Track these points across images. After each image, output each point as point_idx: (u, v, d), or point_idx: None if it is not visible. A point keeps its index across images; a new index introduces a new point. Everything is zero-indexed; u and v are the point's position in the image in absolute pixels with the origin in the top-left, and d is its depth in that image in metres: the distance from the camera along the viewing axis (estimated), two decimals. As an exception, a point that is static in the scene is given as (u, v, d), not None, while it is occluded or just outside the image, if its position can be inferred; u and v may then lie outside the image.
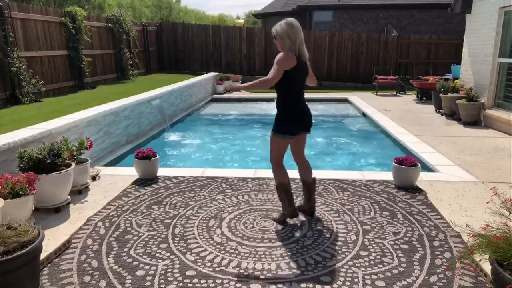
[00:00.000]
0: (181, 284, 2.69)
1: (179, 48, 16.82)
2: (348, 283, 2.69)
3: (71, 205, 3.98)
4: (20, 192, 3.21)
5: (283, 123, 3.43)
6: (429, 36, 15.50)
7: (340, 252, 3.10)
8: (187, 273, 2.82)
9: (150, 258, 3.01)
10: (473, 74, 8.79)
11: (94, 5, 24.34)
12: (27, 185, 3.28)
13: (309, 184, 3.69)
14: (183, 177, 4.82)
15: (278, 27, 3.34)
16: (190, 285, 2.68)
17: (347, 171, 5.25)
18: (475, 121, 8.09)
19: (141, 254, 3.07)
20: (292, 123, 3.42)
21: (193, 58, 16.80)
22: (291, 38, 3.30)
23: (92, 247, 3.17)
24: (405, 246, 3.17)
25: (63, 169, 3.81)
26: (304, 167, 3.75)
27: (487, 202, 3.45)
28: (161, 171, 4.95)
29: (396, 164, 4.48)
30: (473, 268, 2.78)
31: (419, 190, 4.38)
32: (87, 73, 10.82)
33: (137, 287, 2.65)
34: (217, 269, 2.87)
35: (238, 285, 2.68)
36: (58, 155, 3.84)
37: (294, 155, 3.75)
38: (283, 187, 3.56)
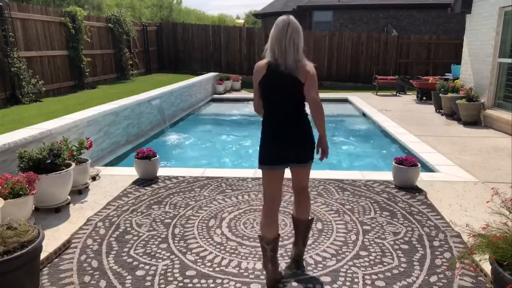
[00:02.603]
0: (181, 284, 2.69)
1: (179, 48, 16.81)
2: (348, 283, 2.69)
3: (71, 205, 3.98)
4: (20, 192, 3.21)
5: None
6: (429, 36, 15.50)
7: (340, 252, 3.10)
8: (187, 273, 2.82)
9: (150, 258, 3.01)
10: (473, 74, 8.79)
11: (94, 5, 24.34)
12: (27, 185, 3.28)
13: (300, 224, 2.87)
14: (183, 177, 4.82)
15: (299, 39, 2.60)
16: (190, 285, 2.68)
17: (347, 171, 5.25)
18: (475, 121, 8.08)
19: (141, 254, 3.07)
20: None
21: (193, 58, 16.79)
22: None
23: (92, 247, 3.16)
24: (405, 246, 3.17)
25: (63, 169, 3.81)
26: (299, 201, 2.87)
27: (487, 202, 3.45)
28: (161, 171, 4.95)
29: (396, 164, 4.48)
30: (473, 268, 2.78)
31: (419, 190, 4.38)
32: (87, 73, 10.81)
33: (137, 287, 2.65)
34: (217, 269, 2.87)
35: (238, 285, 2.68)
36: (58, 155, 3.84)
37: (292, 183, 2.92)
38: (260, 242, 2.72)
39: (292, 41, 2.51)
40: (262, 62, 2.62)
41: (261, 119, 2.72)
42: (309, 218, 2.90)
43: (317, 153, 2.69)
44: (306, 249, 3.08)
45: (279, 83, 2.58)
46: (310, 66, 2.59)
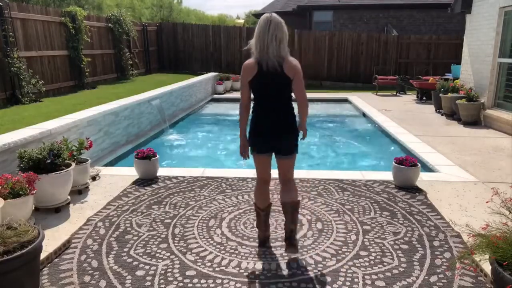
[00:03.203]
0: (181, 284, 2.69)
1: (179, 48, 16.82)
2: (348, 283, 2.69)
3: (71, 205, 3.98)
4: (20, 192, 3.21)
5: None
6: (429, 36, 15.50)
7: (340, 252, 3.10)
8: (187, 273, 2.82)
9: (150, 258, 3.01)
10: (473, 74, 8.79)
11: (94, 5, 24.34)
12: (27, 185, 3.28)
13: (287, 206, 2.94)
14: (183, 177, 4.82)
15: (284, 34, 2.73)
16: (190, 285, 2.68)
17: (347, 171, 5.25)
18: (475, 121, 8.08)
19: (141, 254, 3.07)
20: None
21: (193, 58, 16.79)
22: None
23: (92, 247, 3.16)
24: (405, 246, 3.17)
25: (63, 169, 3.81)
26: (285, 189, 3.03)
27: (487, 202, 3.45)
28: (161, 171, 4.95)
29: (396, 164, 4.48)
30: (473, 268, 2.78)
31: (419, 190, 4.38)
32: (87, 73, 10.81)
33: (137, 287, 2.65)
34: (217, 269, 2.87)
35: (238, 285, 2.68)
36: (58, 155, 3.84)
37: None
38: (256, 209, 3.18)
39: (275, 37, 2.66)
40: (251, 61, 2.73)
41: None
42: (296, 200, 2.98)
43: (299, 135, 3.00)
44: (306, 249, 3.09)
45: (270, 81, 2.73)
46: (296, 61, 2.74)
